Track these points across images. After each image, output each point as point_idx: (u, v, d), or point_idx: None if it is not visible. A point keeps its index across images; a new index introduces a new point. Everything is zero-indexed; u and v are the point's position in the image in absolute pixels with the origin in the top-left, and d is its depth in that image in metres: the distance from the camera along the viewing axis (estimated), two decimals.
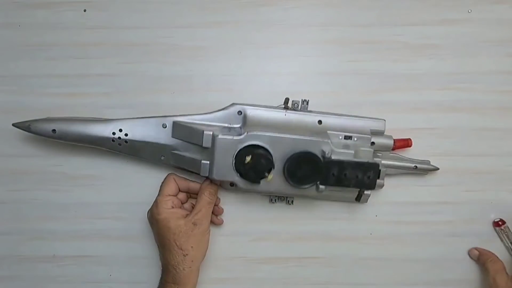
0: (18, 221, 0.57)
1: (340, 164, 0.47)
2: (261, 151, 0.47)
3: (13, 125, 0.51)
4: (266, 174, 0.46)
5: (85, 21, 0.56)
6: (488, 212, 0.57)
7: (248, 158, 0.46)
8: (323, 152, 0.47)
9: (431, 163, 0.55)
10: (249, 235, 0.57)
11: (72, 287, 0.57)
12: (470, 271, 0.58)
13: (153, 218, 0.50)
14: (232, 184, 0.51)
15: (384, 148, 0.53)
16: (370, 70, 0.56)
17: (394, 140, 0.53)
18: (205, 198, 0.51)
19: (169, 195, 0.51)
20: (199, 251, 0.50)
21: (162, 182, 0.52)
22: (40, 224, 0.57)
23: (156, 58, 0.56)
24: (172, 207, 0.50)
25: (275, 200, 0.55)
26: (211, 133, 0.48)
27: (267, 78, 0.56)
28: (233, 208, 0.57)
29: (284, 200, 0.55)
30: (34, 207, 0.57)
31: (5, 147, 0.57)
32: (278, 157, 0.48)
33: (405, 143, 0.54)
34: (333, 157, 0.47)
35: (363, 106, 0.55)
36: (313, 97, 0.53)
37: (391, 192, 0.56)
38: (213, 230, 0.56)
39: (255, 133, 0.48)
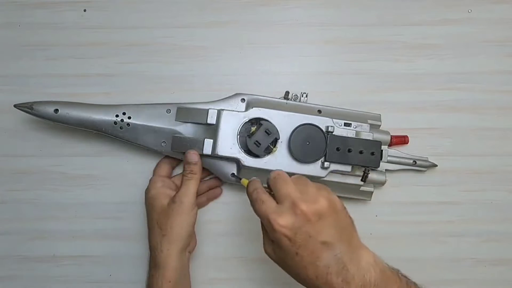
0: (18, 221, 0.57)
1: (344, 139, 0.49)
2: (266, 122, 0.48)
3: (15, 106, 0.50)
4: (271, 146, 0.47)
5: (85, 21, 0.56)
6: (488, 212, 0.57)
7: (253, 128, 0.47)
8: (326, 127, 0.49)
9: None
10: (249, 235, 0.57)
11: (72, 287, 0.57)
12: (470, 271, 0.58)
13: (145, 197, 0.51)
14: (233, 174, 0.51)
15: (382, 143, 0.53)
16: (370, 70, 0.56)
17: (391, 136, 0.53)
18: (183, 176, 0.49)
19: (161, 175, 0.52)
20: (179, 232, 0.47)
21: (156, 164, 0.53)
22: (40, 224, 0.57)
23: (156, 58, 0.56)
24: (162, 186, 0.50)
25: None
26: (217, 110, 0.49)
27: (267, 78, 0.56)
28: (233, 207, 0.57)
29: None
30: (34, 207, 0.57)
31: (5, 147, 0.57)
32: (282, 132, 0.48)
33: (402, 140, 0.55)
34: (335, 133, 0.49)
35: (363, 106, 0.55)
36: (313, 97, 0.53)
37: (391, 192, 0.56)
38: (214, 230, 0.57)
39: (260, 108, 0.49)
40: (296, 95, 0.52)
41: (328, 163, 0.49)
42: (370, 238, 0.57)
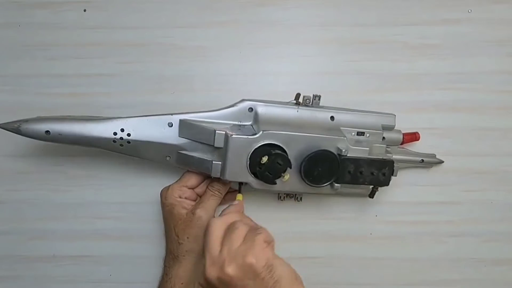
0: (18, 221, 0.57)
1: (356, 161, 0.47)
2: (278, 150, 0.45)
3: (0, 126, 0.46)
4: (283, 174, 0.45)
5: (85, 21, 0.56)
6: (488, 212, 0.57)
7: (265, 159, 0.45)
8: (339, 149, 0.47)
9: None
10: None
11: (72, 287, 0.57)
12: (470, 271, 0.58)
13: (161, 199, 0.51)
14: (242, 183, 0.50)
15: (394, 143, 0.53)
16: (370, 70, 0.56)
17: (402, 134, 0.53)
18: (209, 191, 0.50)
19: (185, 186, 0.51)
20: (196, 244, 0.49)
21: (185, 172, 0.52)
22: (40, 224, 0.57)
23: (156, 58, 0.56)
24: (180, 197, 0.50)
25: (283, 198, 0.54)
26: (224, 132, 0.46)
27: (267, 78, 0.56)
28: None
29: (293, 197, 0.54)
30: (34, 207, 0.57)
31: (5, 147, 0.56)
32: (293, 155, 0.46)
33: (413, 137, 0.55)
34: (349, 155, 0.47)
35: (363, 106, 0.55)
36: None
37: (391, 192, 0.56)
38: None
39: (270, 131, 0.46)
40: (308, 98, 0.50)
41: (338, 184, 0.48)
42: (370, 238, 0.58)
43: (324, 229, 0.57)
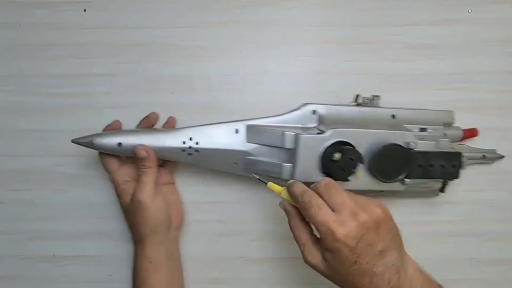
0: (18, 221, 0.57)
1: (426, 154, 0.47)
2: (349, 147, 0.46)
3: (73, 141, 0.48)
4: (354, 170, 0.45)
5: (85, 21, 0.56)
6: (488, 212, 0.57)
7: (338, 156, 0.44)
8: (407, 143, 0.47)
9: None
10: (249, 235, 0.57)
11: (72, 287, 0.57)
12: (470, 271, 0.58)
13: None
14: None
15: (454, 139, 0.53)
16: (370, 70, 0.56)
17: (462, 130, 0.53)
18: (139, 170, 0.48)
19: (114, 171, 0.51)
20: (144, 228, 0.49)
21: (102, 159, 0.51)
22: (40, 224, 0.57)
23: (156, 58, 0.56)
24: (123, 182, 0.51)
25: None
26: (294, 133, 0.46)
27: (267, 78, 0.56)
28: (233, 207, 0.57)
29: None
30: (34, 207, 0.57)
31: (6, 147, 0.56)
32: (362, 152, 0.46)
33: (473, 133, 0.55)
34: (417, 149, 0.47)
35: None
36: (313, 97, 0.53)
37: None
38: (214, 230, 0.57)
39: (339, 129, 0.46)
40: (368, 99, 0.50)
41: (409, 180, 0.48)
42: None
43: None
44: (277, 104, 0.55)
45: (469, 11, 0.56)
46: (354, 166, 0.45)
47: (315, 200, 0.39)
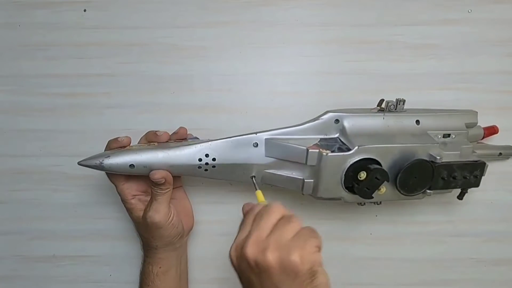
0: (18, 221, 0.57)
1: (450, 167, 0.46)
2: (375, 165, 0.44)
3: (79, 163, 0.45)
4: (380, 187, 0.44)
5: (85, 21, 0.56)
6: (488, 212, 0.57)
7: (363, 175, 0.43)
8: (432, 156, 0.45)
9: None
10: None
11: (72, 287, 0.57)
12: (470, 271, 0.58)
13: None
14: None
15: (475, 139, 0.53)
16: (370, 70, 0.56)
17: (483, 129, 0.53)
18: (154, 192, 0.47)
19: (125, 187, 0.49)
20: (158, 241, 0.49)
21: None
22: (40, 224, 0.57)
23: (156, 58, 0.56)
24: (132, 197, 0.49)
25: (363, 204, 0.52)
26: (318, 151, 0.44)
27: (267, 78, 0.56)
28: (233, 207, 0.57)
29: None
30: (34, 207, 0.57)
31: (5, 147, 0.56)
32: (387, 166, 0.45)
33: (493, 131, 0.55)
34: (442, 161, 0.46)
35: (363, 106, 0.55)
36: (313, 97, 0.53)
37: None
38: (214, 230, 0.57)
39: (365, 146, 0.44)
40: (392, 104, 0.48)
41: (431, 191, 0.47)
42: (370, 238, 0.58)
43: (324, 229, 0.57)
44: (277, 104, 0.55)
45: (469, 11, 0.56)
46: (380, 185, 0.44)
47: (244, 222, 0.41)
